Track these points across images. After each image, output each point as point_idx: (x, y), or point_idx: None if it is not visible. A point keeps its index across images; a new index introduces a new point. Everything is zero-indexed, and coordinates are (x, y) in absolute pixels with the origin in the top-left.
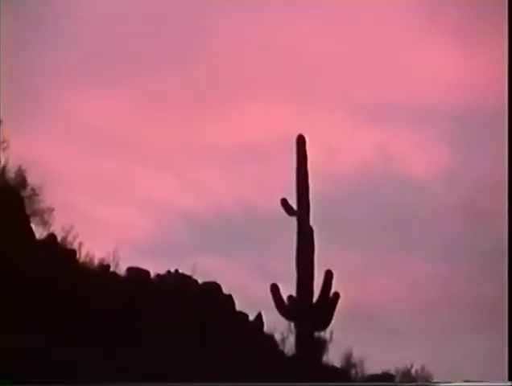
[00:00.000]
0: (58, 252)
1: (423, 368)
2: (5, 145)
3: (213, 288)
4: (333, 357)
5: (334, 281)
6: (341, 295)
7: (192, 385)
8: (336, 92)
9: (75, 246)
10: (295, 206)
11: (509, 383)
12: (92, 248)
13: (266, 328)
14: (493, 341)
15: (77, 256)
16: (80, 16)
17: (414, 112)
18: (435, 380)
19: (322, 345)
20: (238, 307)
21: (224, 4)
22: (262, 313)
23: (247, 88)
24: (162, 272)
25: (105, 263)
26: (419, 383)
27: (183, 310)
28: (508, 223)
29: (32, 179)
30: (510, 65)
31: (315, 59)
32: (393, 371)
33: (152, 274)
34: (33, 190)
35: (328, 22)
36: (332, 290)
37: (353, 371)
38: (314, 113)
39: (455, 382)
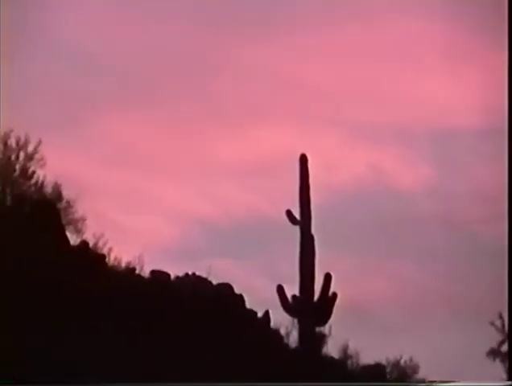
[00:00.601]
0: (89, 257)
1: (411, 359)
2: (42, 162)
3: (226, 288)
4: (332, 349)
5: (332, 283)
6: (339, 294)
7: (193, 385)
8: (335, 116)
9: (105, 251)
10: (298, 216)
11: (509, 383)
12: (120, 252)
13: (272, 324)
14: (469, 333)
15: (107, 260)
16: (112, 55)
17: (402, 133)
18: (423, 373)
19: (322, 339)
20: (248, 305)
21: (237, 41)
22: (270, 310)
23: (257, 113)
24: (181, 274)
25: (131, 266)
26: (419, 384)
27: (199, 308)
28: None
29: (67, 193)
30: (486, 90)
31: (316, 87)
32: (384, 362)
33: (172, 276)
34: (68, 202)
35: (327, 54)
36: (331, 290)
37: (349, 362)
38: (315, 135)
39: (454, 382)
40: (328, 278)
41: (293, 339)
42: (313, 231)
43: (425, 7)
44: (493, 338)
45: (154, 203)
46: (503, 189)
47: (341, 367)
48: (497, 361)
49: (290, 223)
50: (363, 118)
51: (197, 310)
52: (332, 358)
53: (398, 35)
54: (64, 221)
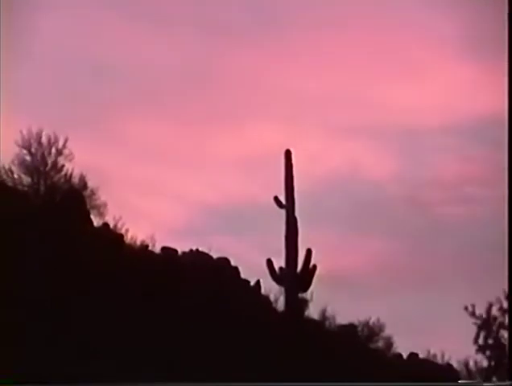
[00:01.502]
0: (110, 236)
1: (378, 320)
2: (70, 157)
3: (224, 262)
4: (313, 312)
5: (313, 256)
6: (318, 266)
7: (193, 385)
8: (317, 117)
9: (122, 231)
10: (284, 201)
11: (509, 383)
12: (136, 232)
13: (263, 291)
14: (429, 299)
15: (124, 238)
16: (128, 64)
17: (373, 130)
18: (388, 331)
19: (304, 303)
20: (243, 276)
21: (234, 51)
22: (260, 280)
23: (251, 114)
24: (186, 250)
25: (144, 244)
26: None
27: (202, 278)
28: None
29: (91, 183)
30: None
31: (301, 92)
32: (356, 322)
33: (179, 252)
34: (92, 190)
35: (310, 63)
36: (311, 263)
37: (327, 323)
38: (300, 132)
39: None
40: (308, 253)
41: (280, 304)
42: (296, 213)
43: (395, 21)
44: (448, 302)
45: (164, 190)
46: (459, 176)
47: (320, 327)
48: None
49: (277, 207)
50: (341, 118)
51: (200, 280)
52: (312, 319)
53: (371, 49)
54: (88, 206)
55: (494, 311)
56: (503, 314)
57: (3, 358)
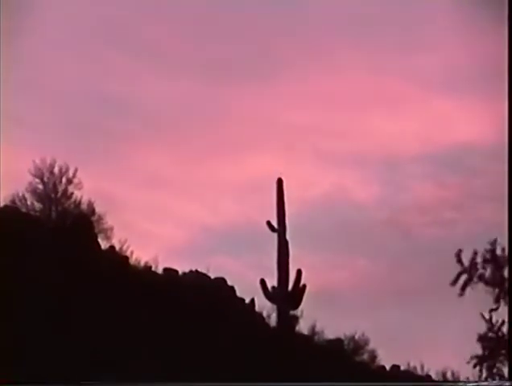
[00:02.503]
0: (116, 258)
1: (363, 334)
2: (80, 185)
3: (221, 281)
4: (303, 328)
5: (303, 276)
6: (308, 285)
7: (193, 385)
8: (307, 147)
9: (127, 253)
10: (276, 225)
11: (510, 384)
12: (140, 255)
13: (257, 308)
14: (411, 314)
15: (129, 260)
16: (138, 100)
17: (359, 159)
18: (372, 345)
19: (295, 320)
20: (238, 294)
21: (233, 89)
22: (255, 298)
23: (248, 146)
24: (186, 271)
25: (148, 265)
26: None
27: (200, 297)
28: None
29: (98, 209)
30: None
31: (292, 125)
32: (343, 337)
33: (180, 272)
34: (99, 216)
35: (302, 99)
36: (302, 282)
37: (316, 337)
38: (293, 161)
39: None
40: (299, 273)
41: (273, 320)
42: (288, 236)
43: (379, 58)
44: (427, 317)
45: (166, 215)
46: (436, 201)
47: (310, 342)
48: None
49: (270, 231)
50: (329, 148)
51: (198, 298)
52: (302, 334)
53: (357, 84)
54: (96, 230)
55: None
56: None
57: (3, 358)
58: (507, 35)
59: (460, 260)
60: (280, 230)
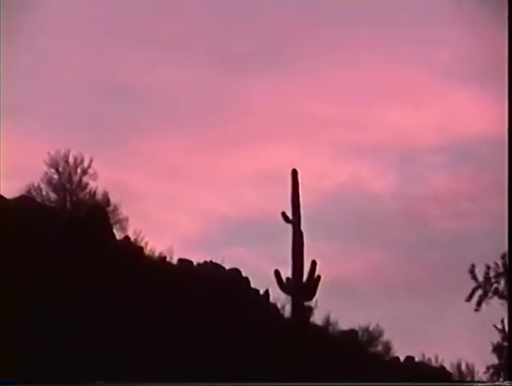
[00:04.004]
0: (131, 248)
1: (377, 325)
2: (94, 176)
3: (235, 272)
4: (317, 319)
5: (317, 267)
6: (322, 276)
7: (192, 385)
8: (324, 138)
9: (142, 244)
10: (290, 216)
11: (510, 384)
12: (154, 245)
13: (271, 299)
14: (423, 305)
15: (144, 251)
16: (154, 93)
17: (375, 150)
18: (387, 336)
19: (309, 311)
20: (253, 285)
21: (250, 80)
22: (269, 289)
23: (264, 137)
24: (201, 261)
25: (162, 255)
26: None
27: (215, 288)
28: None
29: (114, 199)
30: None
31: (309, 116)
32: (357, 328)
33: (194, 263)
34: (114, 206)
35: (319, 89)
36: (316, 273)
37: (330, 328)
38: (309, 152)
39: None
40: (313, 264)
41: (287, 311)
42: (302, 227)
43: (397, 50)
44: (442, 309)
45: (181, 206)
46: (452, 192)
47: (324, 332)
48: None
49: (284, 222)
50: (345, 139)
51: (212, 289)
52: (316, 325)
53: (375, 76)
54: (111, 221)
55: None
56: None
57: (3, 358)
58: None
59: (474, 276)
60: (295, 221)
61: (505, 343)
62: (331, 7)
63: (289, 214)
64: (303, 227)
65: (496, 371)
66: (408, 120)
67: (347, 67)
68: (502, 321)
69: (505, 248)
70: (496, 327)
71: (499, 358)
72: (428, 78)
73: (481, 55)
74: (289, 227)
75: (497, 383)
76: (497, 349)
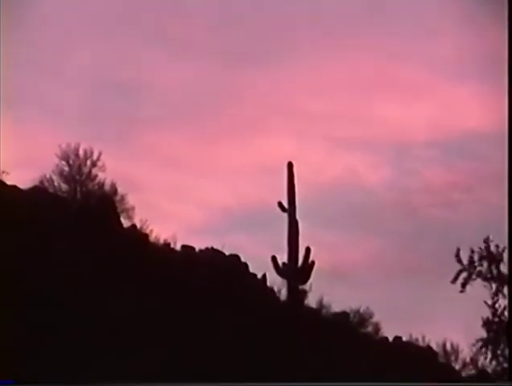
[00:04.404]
0: (137, 236)
1: (367, 308)
2: (103, 168)
3: (235, 258)
4: (311, 301)
5: (311, 253)
6: (316, 262)
7: (192, 385)
8: (320, 132)
9: (148, 231)
10: (286, 206)
11: (509, 384)
12: (159, 233)
13: (268, 283)
14: (412, 289)
15: (149, 238)
16: (156, 89)
17: (369, 144)
18: (377, 317)
19: (304, 294)
20: (251, 270)
21: (249, 77)
22: (266, 273)
23: (262, 131)
24: (202, 248)
25: (166, 242)
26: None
27: (215, 273)
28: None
29: (121, 190)
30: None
31: (306, 110)
32: (348, 310)
33: (197, 250)
34: (121, 196)
35: (315, 85)
36: (310, 259)
37: (324, 311)
38: (305, 145)
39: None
40: (307, 250)
41: (283, 294)
42: (297, 216)
43: (392, 49)
44: (430, 293)
45: (184, 196)
46: (443, 184)
47: (317, 314)
48: None
49: (280, 211)
50: (341, 133)
51: (213, 274)
52: (310, 307)
53: (369, 73)
54: (118, 210)
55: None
56: None
57: (3, 358)
58: None
59: (459, 260)
60: (290, 210)
61: (496, 319)
62: (327, 5)
63: (285, 204)
64: (298, 217)
65: (484, 344)
66: (402, 114)
67: (343, 63)
68: (492, 298)
69: (489, 234)
70: (486, 303)
71: (487, 332)
72: (422, 74)
73: (478, 53)
74: (285, 216)
75: (497, 384)
76: (486, 324)
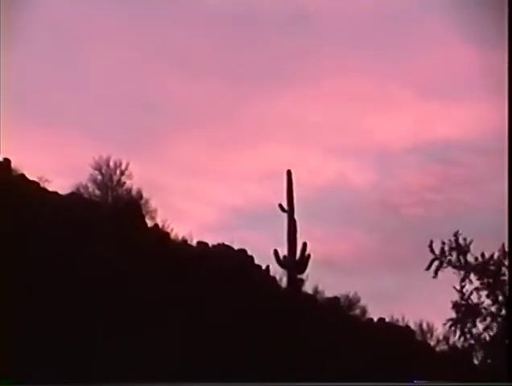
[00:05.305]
0: (159, 234)
1: (356, 293)
2: (130, 176)
3: (243, 252)
4: (308, 288)
5: (308, 248)
6: (312, 255)
7: (193, 385)
8: (315, 140)
9: (168, 230)
10: (286, 207)
11: (509, 384)
12: (179, 230)
13: (271, 273)
14: (394, 277)
15: (170, 236)
16: (172, 101)
17: (357, 152)
18: (363, 302)
19: (301, 282)
20: (256, 262)
21: (253, 93)
22: (270, 265)
23: (265, 138)
24: (215, 243)
25: (184, 239)
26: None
27: (226, 264)
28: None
29: (145, 194)
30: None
31: (303, 121)
32: (339, 295)
33: (210, 245)
34: (146, 200)
35: (310, 100)
36: (307, 252)
37: (318, 296)
38: (303, 153)
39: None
40: (304, 245)
41: (283, 282)
42: (296, 216)
43: (376, 70)
44: (409, 280)
45: (199, 197)
46: (420, 185)
47: (313, 299)
48: None
49: (281, 212)
50: (333, 142)
51: (225, 266)
52: (307, 293)
53: (358, 89)
54: (143, 212)
55: None
56: None
57: (3, 358)
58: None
59: (432, 250)
60: (289, 211)
61: (463, 302)
62: (322, 30)
63: (285, 205)
64: (296, 216)
65: (454, 324)
66: (385, 126)
67: (336, 81)
68: (460, 284)
69: (458, 228)
70: (455, 288)
71: (456, 313)
72: (403, 90)
73: (451, 72)
74: (285, 216)
75: (497, 384)
76: (455, 306)
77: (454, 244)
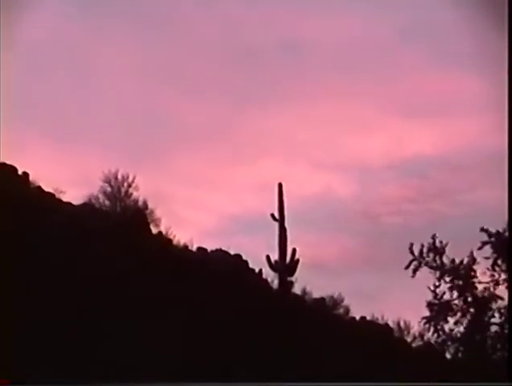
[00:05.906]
0: (162, 240)
1: (340, 294)
2: (137, 188)
3: (238, 257)
4: (297, 290)
5: (297, 253)
6: (301, 259)
7: (193, 385)
8: (304, 156)
9: (171, 236)
10: (277, 216)
11: (509, 384)
12: (180, 237)
13: (264, 276)
14: (374, 278)
15: (172, 242)
16: (175, 119)
17: (341, 166)
18: (346, 301)
19: (291, 284)
20: (250, 265)
21: (249, 111)
22: (262, 269)
23: (260, 153)
24: (213, 249)
25: (185, 245)
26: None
27: (222, 268)
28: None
29: (150, 204)
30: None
31: (293, 138)
32: (325, 296)
33: (209, 250)
34: (151, 210)
35: (300, 119)
36: (296, 257)
37: (306, 297)
38: (293, 167)
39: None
40: (294, 251)
41: (275, 284)
42: (286, 224)
43: (356, 94)
44: (388, 282)
45: (199, 206)
46: (398, 197)
47: (301, 300)
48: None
49: (272, 221)
50: (320, 158)
51: (222, 270)
52: (296, 294)
53: (345, 114)
54: (148, 220)
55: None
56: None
57: (3, 358)
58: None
59: (412, 252)
60: (280, 220)
61: (436, 301)
62: (314, 59)
63: (276, 215)
64: (287, 224)
65: (428, 321)
66: (366, 144)
67: (322, 103)
68: (434, 285)
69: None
70: (429, 288)
71: (430, 312)
72: (381, 112)
73: (422, 93)
74: (276, 225)
75: (497, 384)
76: (428, 305)
77: (432, 247)
